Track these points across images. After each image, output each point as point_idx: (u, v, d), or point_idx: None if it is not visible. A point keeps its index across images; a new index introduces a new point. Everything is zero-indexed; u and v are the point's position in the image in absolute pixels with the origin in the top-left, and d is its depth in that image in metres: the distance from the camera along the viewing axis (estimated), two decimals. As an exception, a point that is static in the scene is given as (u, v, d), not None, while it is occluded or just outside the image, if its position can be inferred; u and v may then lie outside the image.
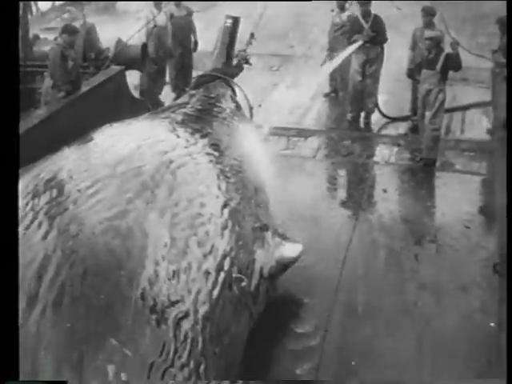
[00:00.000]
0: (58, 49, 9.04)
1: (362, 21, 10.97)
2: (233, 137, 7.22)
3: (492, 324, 6.34)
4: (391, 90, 11.92)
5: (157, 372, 4.20)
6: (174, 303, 4.66)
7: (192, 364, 4.47)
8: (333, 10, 11.97)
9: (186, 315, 4.67)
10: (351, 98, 11.42)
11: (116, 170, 5.62)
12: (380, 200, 8.76)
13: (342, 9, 11.80)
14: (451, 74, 9.59)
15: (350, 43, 11.00)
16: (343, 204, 8.73)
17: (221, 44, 9.16)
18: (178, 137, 6.52)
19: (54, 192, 5.29)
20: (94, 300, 4.39)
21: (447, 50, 9.43)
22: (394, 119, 11.31)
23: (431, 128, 9.52)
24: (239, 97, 8.55)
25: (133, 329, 4.33)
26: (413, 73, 10.16)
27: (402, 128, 11.08)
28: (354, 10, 11.69)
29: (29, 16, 11.76)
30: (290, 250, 6.26)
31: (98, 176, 5.51)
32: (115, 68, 10.35)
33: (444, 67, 9.35)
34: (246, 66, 9.54)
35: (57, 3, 17.87)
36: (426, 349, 6.07)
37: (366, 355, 5.98)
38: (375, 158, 10.07)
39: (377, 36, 10.93)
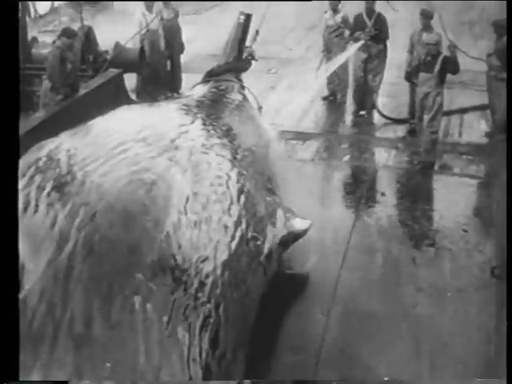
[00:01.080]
0: (57, 51, 9.05)
1: (366, 18, 11.16)
2: (243, 124, 7.57)
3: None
4: (389, 93, 11.95)
5: (179, 308, 4.61)
6: (195, 248, 5.11)
7: (212, 303, 4.85)
8: (326, 12, 12.01)
9: (207, 259, 5.09)
10: (354, 92, 11.69)
11: (139, 135, 6.22)
12: (378, 203, 8.77)
13: (335, 10, 11.84)
14: (449, 76, 9.60)
15: (354, 39, 11.24)
16: (341, 207, 8.72)
17: (233, 39, 9.50)
18: (194, 116, 7.00)
19: (88, 149, 5.90)
20: (122, 238, 4.89)
21: (445, 52, 9.45)
22: (393, 120, 11.34)
23: (429, 131, 9.54)
24: (247, 92, 8.87)
25: (158, 266, 4.76)
26: (410, 76, 10.19)
27: (400, 131, 11.08)
28: (346, 11, 11.85)
29: (27, 18, 11.79)
30: (300, 223, 6.68)
31: (122, 139, 6.09)
32: (113, 71, 10.39)
33: (441, 70, 9.37)
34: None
35: (55, 4, 17.87)
36: (424, 350, 6.07)
37: (364, 357, 5.99)
38: (373, 161, 10.08)
39: (379, 34, 11.14)
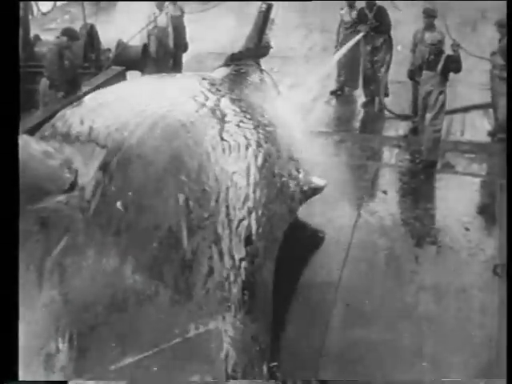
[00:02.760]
0: (56, 49, 9.08)
1: (367, 11, 11.43)
2: (264, 103, 7.80)
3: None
4: (392, 91, 11.92)
5: (217, 213, 5.33)
6: (230, 164, 5.87)
7: (245, 210, 5.56)
8: (342, 8, 12.15)
9: (241, 174, 5.86)
10: (363, 84, 11.96)
11: (166, 90, 6.97)
12: (380, 202, 8.75)
13: (352, 6, 11.99)
14: (452, 75, 9.59)
15: (356, 32, 11.49)
16: (343, 206, 8.70)
17: (254, 26, 9.96)
18: (217, 90, 7.23)
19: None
20: (166, 147, 5.60)
21: (448, 51, 9.43)
22: (396, 115, 11.37)
23: (431, 129, 9.52)
24: (266, 76, 9.28)
25: (198, 172, 5.51)
26: (413, 74, 10.17)
27: (402, 129, 11.07)
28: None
29: (30, 17, 11.78)
30: (318, 180, 7.38)
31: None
32: (116, 68, 10.35)
33: (444, 69, 9.34)
34: None
35: (58, 4, 17.87)
36: (426, 349, 6.08)
37: (365, 356, 5.98)
38: (375, 160, 10.06)
39: (380, 25, 11.40)
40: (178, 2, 12.52)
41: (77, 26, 10.68)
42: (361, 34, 11.41)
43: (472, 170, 9.64)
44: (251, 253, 5.33)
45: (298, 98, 9.58)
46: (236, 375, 4.38)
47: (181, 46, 12.52)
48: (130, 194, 5.14)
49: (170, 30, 12.04)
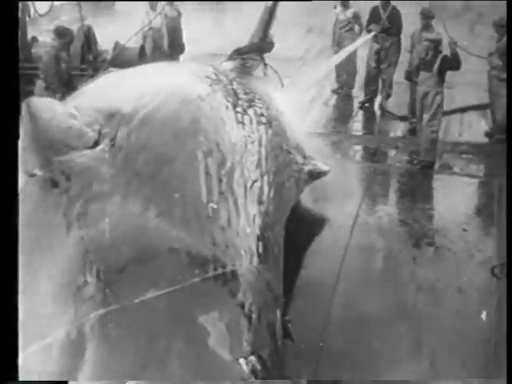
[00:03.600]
0: (52, 51, 9.12)
1: (381, 11, 11.38)
2: (268, 95, 8.01)
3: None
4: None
5: (232, 172, 5.77)
6: (243, 135, 6.36)
7: (258, 173, 6.04)
8: (335, 7, 12.17)
9: (253, 142, 6.35)
10: (365, 81, 11.93)
11: (179, 70, 7.61)
12: (378, 202, 8.76)
13: (345, 5, 12.04)
14: (449, 76, 9.61)
15: (367, 31, 11.51)
16: (341, 206, 8.70)
17: (260, 21, 10.27)
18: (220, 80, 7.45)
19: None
20: (183, 113, 6.10)
21: (445, 52, 9.44)
22: (394, 116, 11.42)
23: (429, 130, 9.53)
24: (270, 70, 9.63)
25: (215, 133, 6.05)
26: (411, 75, 10.19)
27: (400, 130, 11.09)
28: (357, 6, 12.13)
29: (27, 18, 11.78)
30: (322, 165, 7.61)
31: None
32: (113, 70, 10.34)
33: (441, 69, 9.36)
34: None
35: (55, 5, 17.86)
36: (424, 350, 6.08)
37: (364, 356, 5.99)
38: (373, 161, 10.07)
39: (392, 27, 11.38)
40: (175, 3, 12.52)
41: (74, 28, 10.68)
42: (372, 34, 11.39)
43: (470, 170, 9.65)
44: (263, 211, 5.75)
45: (296, 97, 9.60)
46: (251, 315, 4.65)
47: (177, 47, 12.51)
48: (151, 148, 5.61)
49: (165, 30, 12.03)
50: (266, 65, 9.54)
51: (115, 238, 4.72)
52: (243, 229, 5.40)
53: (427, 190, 9.33)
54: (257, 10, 10.83)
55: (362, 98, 12.12)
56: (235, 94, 6.99)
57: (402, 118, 11.25)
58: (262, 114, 6.96)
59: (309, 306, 6.54)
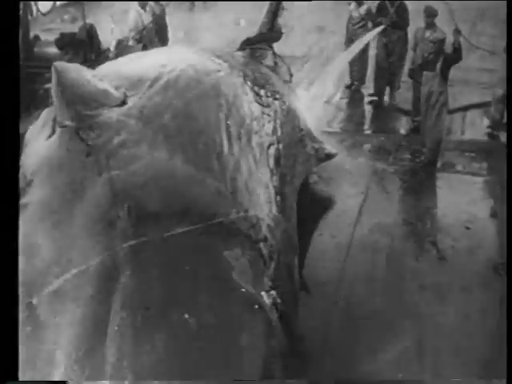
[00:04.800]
0: None
1: (389, 5, 11.38)
2: (278, 82, 8.31)
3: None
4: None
5: (251, 132, 6.32)
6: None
7: (275, 138, 6.63)
8: (350, 4, 12.22)
9: (269, 115, 6.91)
10: (375, 75, 11.93)
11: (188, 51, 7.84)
12: (381, 201, 8.75)
13: (360, 3, 12.07)
14: (451, 74, 9.58)
15: (375, 25, 11.49)
16: (343, 205, 8.69)
17: (267, 12, 10.49)
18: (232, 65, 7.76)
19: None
20: (206, 82, 6.58)
21: (448, 47, 9.41)
22: (405, 112, 11.39)
23: (433, 129, 9.51)
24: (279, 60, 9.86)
25: (234, 99, 6.54)
26: (414, 73, 10.16)
27: (403, 129, 11.07)
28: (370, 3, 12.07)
29: (29, 17, 11.76)
30: (330, 149, 8.15)
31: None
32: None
33: (443, 67, 9.33)
34: None
35: (57, 4, 17.83)
36: (426, 349, 6.08)
37: (366, 355, 5.98)
38: (376, 159, 10.05)
39: (399, 20, 11.38)
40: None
41: (76, 27, 10.68)
42: (382, 27, 11.34)
43: (472, 168, 9.62)
44: (279, 171, 6.32)
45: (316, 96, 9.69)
46: (272, 255, 5.12)
47: (164, 43, 12.53)
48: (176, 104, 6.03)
49: (153, 28, 12.07)
50: (275, 54, 9.75)
51: (145, 179, 5.09)
52: (263, 181, 5.94)
53: (430, 188, 9.30)
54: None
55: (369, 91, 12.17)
56: (250, 72, 7.47)
57: (408, 113, 11.23)
58: (276, 91, 7.49)
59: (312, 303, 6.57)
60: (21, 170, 5.27)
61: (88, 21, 10.86)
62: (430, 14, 10.39)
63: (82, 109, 5.57)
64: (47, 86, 9.61)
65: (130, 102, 5.88)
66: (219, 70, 6.99)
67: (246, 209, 5.32)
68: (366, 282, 7.03)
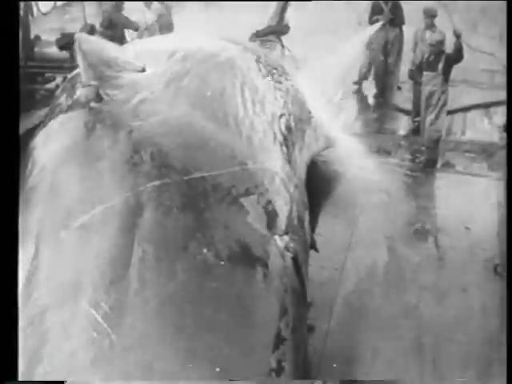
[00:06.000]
0: None
1: (383, 4, 11.57)
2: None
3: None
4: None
5: (264, 100, 6.87)
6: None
7: (286, 115, 7.00)
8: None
9: (283, 91, 7.44)
10: (375, 75, 12.07)
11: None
12: (380, 201, 8.74)
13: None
14: (453, 75, 9.58)
15: (371, 23, 11.64)
16: (343, 205, 8.69)
17: (276, 6, 11.10)
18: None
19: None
20: (219, 54, 7.28)
21: (448, 49, 9.40)
22: (405, 112, 11.37)
23: (433, 129, 9.51)
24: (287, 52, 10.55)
25: (248, 71, 7.18)
26: (414, 74, 10.16)
27: (403, 129, 11.06)
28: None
29: (30, 17, 11.77)
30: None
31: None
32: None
33: (445, 67, 9.33)
34: None
35: (58, 4, 17.84)
36: (426, 349, 6.08)
37: (365, 355, 5.98)
38: (376, 159, 10.03)
39: (395, 18, 11.62)
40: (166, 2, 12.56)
41: (77, 27, 10.69)
42: (380, 23, 11.53)
43: (472, 169, 9.63)
44: (290, 138, 6.75)
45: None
46: (286, 206, 5.49)
47: None
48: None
49: (157, 28, 12.06)
50: (283, 46, 10.22)
51: (166, 129, 5.59)
52: (277, 139, 6.42)
53: (430, 188, 9.31)
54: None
55: (373, 91, 12.21)
56: (262, 55, 8.00)
57: (408, 113, 11.22)
58: (286, 73, 8.07)
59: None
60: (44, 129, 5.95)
61: (88, 21, 10.88)
62: (430, 15, 10.39)
63: (105, 70, 6.15)
64: (47, 86, 9.68)
65: (150, 70, 6.45)
66: (233, 49, 7.61)
67: (262, 161, 5.78)
68: (365, 282, 7.02)
